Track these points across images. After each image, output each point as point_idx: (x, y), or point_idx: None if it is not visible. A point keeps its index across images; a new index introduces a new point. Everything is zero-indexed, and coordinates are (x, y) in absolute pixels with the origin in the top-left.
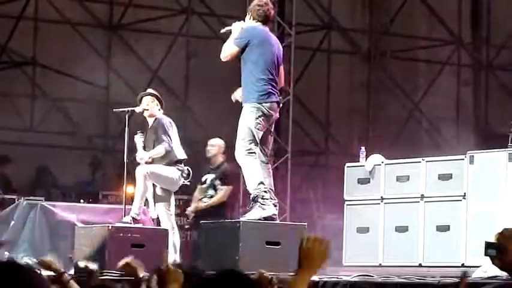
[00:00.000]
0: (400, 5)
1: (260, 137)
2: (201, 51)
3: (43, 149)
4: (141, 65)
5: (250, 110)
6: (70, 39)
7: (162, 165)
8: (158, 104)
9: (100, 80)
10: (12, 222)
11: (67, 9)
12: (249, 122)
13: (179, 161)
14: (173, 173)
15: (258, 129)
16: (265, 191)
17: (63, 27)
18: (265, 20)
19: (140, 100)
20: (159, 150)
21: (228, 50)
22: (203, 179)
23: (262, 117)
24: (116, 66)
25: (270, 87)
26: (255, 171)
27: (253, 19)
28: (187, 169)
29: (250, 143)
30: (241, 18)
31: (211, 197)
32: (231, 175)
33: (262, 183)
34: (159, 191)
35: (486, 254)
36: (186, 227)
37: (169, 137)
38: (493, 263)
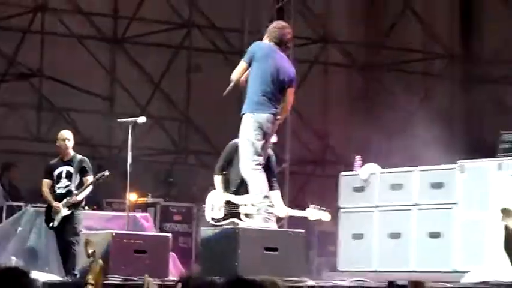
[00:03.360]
0: (394, 19)
1: (261, 147)
2: (202, 64)
3: (49, 158)
4: (144, 77)
5: (248, 120)
6: (75, 52)
7: None
8: None
9: (104, 91)
10: (19, 229)
11: (73, 23)
12: (248, 134)
13: None
14: None
15: (258, 139)
16: (269, 205)
17: (68, 41)
18: (279, 42)
19: None
20: None
21: (238, 69)
22: (56, 172)
23: (260, 128)
24: (120, 78)
25: (267, 99)
26: (261, 185)
27: (269, 40)
28: None
29: (254, 155)
30: (239, 30)
31: (77, 188)
32: (88, 164)
33: (267, 197)
34: None
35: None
36: (53, 225)
37: None
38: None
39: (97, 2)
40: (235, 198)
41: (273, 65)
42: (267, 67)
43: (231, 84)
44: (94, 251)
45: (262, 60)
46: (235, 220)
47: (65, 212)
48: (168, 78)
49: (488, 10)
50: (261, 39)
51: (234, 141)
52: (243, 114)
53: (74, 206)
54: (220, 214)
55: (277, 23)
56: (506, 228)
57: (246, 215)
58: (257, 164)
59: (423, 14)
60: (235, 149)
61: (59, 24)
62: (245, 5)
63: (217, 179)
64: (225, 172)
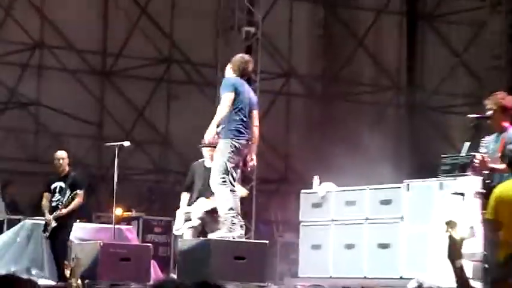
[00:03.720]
0: (348, 55)
1: (231, 168)
2: (180, 93)
3: (45, 177)
4: (129, 105)
5: (225, 144)
6: (69, 84)
7: None
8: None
9: (94, 118)
10: (18, 239)
11: (66, 58)
12: (223, 155)
13: None
14: None
15: (230, 161)
16: (233, 216)
17: (62, 74)
18: (242, 74)
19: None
20: None
21: (228, 100)
22: (52, 187)
23: (234, 152)
24: (108, 106)
25: (242, 127)
26: (227, 198)
27: (233, 71)
28: None
29: (223, 173)
30: (213, 66)
31: (69, 203)
32: (80, 181)
33: (232, 209)
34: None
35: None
36: (46, 234)
37: None
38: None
39: (88, 40)
40: (192, 208)
41: (246, 96)
42: (243, 99)
43: (223, 116)
44: (79, 258)
45: (239, 93)
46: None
47: (53, 223)
48: (150, 106)
49: (429, 49)
50: None
51: (193, 164)
52: (222, 139)
53: (61, 219)
54: (179, 225)
55: (242, 57)
56: (450, 237)
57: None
58: (224, 181)
59: (374, 51)
60: (194, 171)
61: (54, 59)
62: (218, 43)
63: (184, 196)
64: (189, 190)
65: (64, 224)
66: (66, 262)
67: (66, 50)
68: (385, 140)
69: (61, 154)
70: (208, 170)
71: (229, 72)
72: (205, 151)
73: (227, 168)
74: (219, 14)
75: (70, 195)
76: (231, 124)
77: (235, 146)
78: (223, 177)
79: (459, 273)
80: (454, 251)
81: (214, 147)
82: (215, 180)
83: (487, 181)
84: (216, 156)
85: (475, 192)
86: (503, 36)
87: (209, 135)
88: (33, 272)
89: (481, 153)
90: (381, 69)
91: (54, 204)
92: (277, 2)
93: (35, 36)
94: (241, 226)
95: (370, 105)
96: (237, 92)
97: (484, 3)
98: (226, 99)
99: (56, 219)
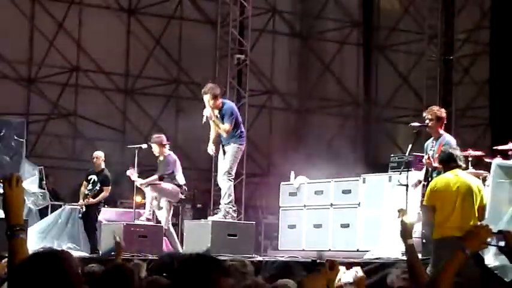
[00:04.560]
0: (318, 76)
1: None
2: (186, 107)
3: (81, 171)
4: (146, 116)
5: (236, 149)
6: (99, 99)
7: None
8: (161, 145)
9: (119, 126)
10: (60, 220)
11: (97, 79)
12: (233, 156)
13: (180, 185)
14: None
15: (236, 162)
16: (230, 208)
17: (94, 91)
18: (221, 94)
19: (150, 146)
20: (153, 177)
21: (230, 127)
22: (88, 178)
23: (240, 154)
24: (129, 117)
25: (244, 137)
26: (230, 193)
27: (219, 96)
28: (185, 189)
29: (231, 171)
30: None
31: (97, 193)
32: (109, 179)
33: (230, 201)
34: (163, 202)
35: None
36: (80, 216)
37: (170, 169)
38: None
39: (114, 65)
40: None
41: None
42: (239, 116)
43: (222, 133)
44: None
45: (237, 113)
46: None
47: (84, 208)
48: (162, 117)
49: (381, 72)
50: (226, 91)
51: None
52: (233, 144)
53: (90, 206)
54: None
55: (212, 84)
56: (402, 222)
57: None
58: (231, 178)
59: (338, 74)
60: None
61: (88, 80)
62: (215, 67)
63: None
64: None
65: (92, 210)
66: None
67: (97, 73)
68: (346, 143)
69: (96, 154)
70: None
71: (219, 100)
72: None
73: (234, 167)
74: (217, 44)
75: (99, 188)
76: (238, 133)
77: (241, 150)
78: (230, 174)
79: (410, 249)
80: (405, 232)
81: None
82: (224, 175)
83: (427, 176)
84: (227, 156)
85: (414, 183)
86: (438, 62)
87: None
88: (71, 246)
89: (428, 155)
90: (343, 88)
91: (87, 192)
92: (262, 35)
93: (72, 62)
94: (234, 211)
95: (334, 116)
96: (237, 116)
97: (423, 35)
98: (227, 126)
99: (86, 205)
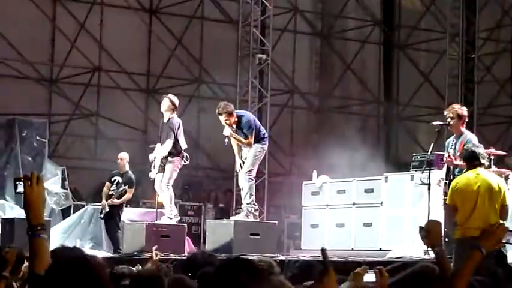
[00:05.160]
0: (339, 76)
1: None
2: (207, 107)
3: (103, 171)
4: None
5: (260, 149)
6: (121, 99)
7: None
8: (172, 106)
9: (140, 126)
10: (82, 220)
11: (119, 79)
12: (255, 157)
13: (180, 151)
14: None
15: (258, 162)
16: (251, 207)
17: (116, 91)
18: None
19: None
20: (168, 144)
21: (251, 139)
22: (112, 179)
23: (262, 155)
24: (151, 117)
25: (267, 138)
26: (251, 193)
27: (233, 113)
28: (187, 155)
29: (252, 171)
30: (234, 84)
31: (121, 194)
32: (133, 181)
33: (252, 201)
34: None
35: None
36: (101, 216)
37: (175, 133)
38: (423, 242)
39: (136, 64)
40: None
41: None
42: (258, 122)
43: (246, 147)
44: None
45: (256, 120)
46: None
47: (107, 208)
48: (184, 116)
49: (402, 71)
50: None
51: None
52: (256, 144)
53: (113, 207)
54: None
55: (225, 103)
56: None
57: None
58: (251, 177)
59: (359, 73)
60: None
61: (110, 80)
62: (237, 67)
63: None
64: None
65: (115, 210)
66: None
67: (119, 73)
68: (368, 142)
69: (121, 155)
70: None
71: (234, 114)
72: None
73: (255, 167)
74: (239, 44)
75: (122, 189)
76: (262, 138)
77: (264, 150)
78: (251, 175)
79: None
80: (431, 244)
81: None
82: (245, 175)
83: (449, 174)
84: (249, 156)
85: (437, 181)
86: (460, 61)
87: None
88: (93, 245)
89: (449, 153)
90: (365, 87)
91: (110, 193)
92: (284, 34)
93: (94, 62)
94: (255, 210)
95: (356, 115)
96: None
97: (445, 34)
98: (250, 140)
99: (109, 205)
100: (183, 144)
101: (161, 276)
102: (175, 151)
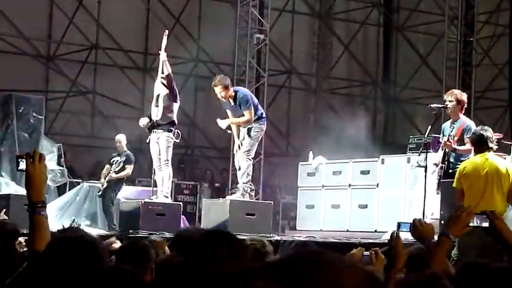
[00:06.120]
0: (337, 57)
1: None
2: (205, 86)
3: (99, 149)
4: None
5: (258, 130)
6: (118, 77)
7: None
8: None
9: (137, 104)
10: (77, 198)
11: (116, 57)
12: (254, 137)
13: (171, 130)
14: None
15: (257, 142)
16: (248, 187)
17: (113, 69)
18: (231, 84)
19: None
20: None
21: (250, 116)
22: (111, 160)
23: (261, 135)
24: (147, 95)
25: (265, 118)
26: (248, 172)
27: (229, 86)
28: (178, 132)
29: (250, 151)
30: (231, 64)
31: (120, 170)
32: (132, 159)
33: (249, 180)
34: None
35: (398, 229)
36: (99, 194)
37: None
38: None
39: (133, 42)
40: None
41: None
42: (255, 100)
43: (247, 125)
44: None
45: (253, 97)
46: None
47: (105, 184)
48: (181, 95)
49: (401, 53)
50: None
51: None
52: (255, 125)
53: (111, 182)
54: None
55: (221, 76)
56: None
57: None
58: (250, 158)
59: (357, 55)
60: None
61: (108, 58)
62: (235, 46)
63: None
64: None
65: (112, 186)
66: None
67: (115, 51)
68: (366, 124)
69: (118, 138)
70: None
71: (231, 88)
72: None
73: (254, 148)
74: (237, 23)
75: (121, 166)
76: (260, 117)
77: (262, 130)
78: (250, 154)
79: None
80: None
81: None
82: (244, 155)
83: (445, 159)
84: (248, 136)
85: (434, 163)
86: (458, 44)
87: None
88: (89, 223)
89: (449, 137)
90: (363, 69)
91: (107, 173)
92: (282, 14)
93: (92, 39)
94: (252, 190)
95: (353, 97)
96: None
97: (444, 17)
98: (251, 114)
99: (107, 181)
100: (176, 110)
101: (146, 245)
102: (173, 126)
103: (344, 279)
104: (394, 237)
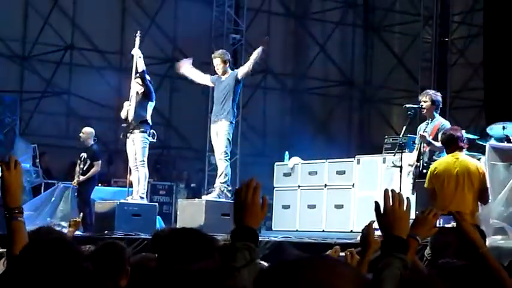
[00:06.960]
0: (314, 57)
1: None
2: (181, 86)
3: (75, 150)
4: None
5: (228, 127)
6: (93, 77)
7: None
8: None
9: (113, 104)
10: (53, 199)
11: (91, 57)
12: (228, 135)
13: (147, 131)
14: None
15: (230, 139)
16: (225, 187)
17: (88, 69)
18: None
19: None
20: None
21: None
22: (80, 155)
23: (232, 131)
24: (124, 96)
25: (235, 116)
26: (226, 173)
27: (227, 62)
28: (154, 133)
29: (227, 150)
30: (208, 64)
31: (87, 169)
32: (98, 154)
33: (226, 181)
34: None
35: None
36: (75, 194)
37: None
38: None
39: (108, 43)
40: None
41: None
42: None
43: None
44: None
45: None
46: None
47: (76, 186)
48: (157, 96)
49: (376, 53)
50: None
51: None
52: (225, 121)
53: (81, 183)
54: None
55: (222, 51)
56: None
57: None
58: (227, 157)
59: (333, 55)
60: None
61: (82, 58)
62: (211, 46)
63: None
64: None
65: (84, 187)
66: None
67: (91, 51)
68: (341, 124)
69: (83, 129)
70: None
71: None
72: None
73: (230, 146)
74: (212, 23)
75: (88, 164)
76: (233, 110)
77: (233, 128)
78: (227, 154)
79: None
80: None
81: None
82: (221, 155)
83: (420, 158)
84: (220, 135)
85: (408, 164)
86: (433, 44)
87: None
88: (64, 224)
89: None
90: (338, 69)
91: (79, 171)
92: (258, 14)
93: (67, 40)
94: (228, 191)
95: (329, 97)
96: (240, 85)
97: (419, 17)
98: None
99: (78, 183)
100: (151, 108)
101: (123, 246)
102: (147, 125)
103: (335, 279)
104: (367, 225)
